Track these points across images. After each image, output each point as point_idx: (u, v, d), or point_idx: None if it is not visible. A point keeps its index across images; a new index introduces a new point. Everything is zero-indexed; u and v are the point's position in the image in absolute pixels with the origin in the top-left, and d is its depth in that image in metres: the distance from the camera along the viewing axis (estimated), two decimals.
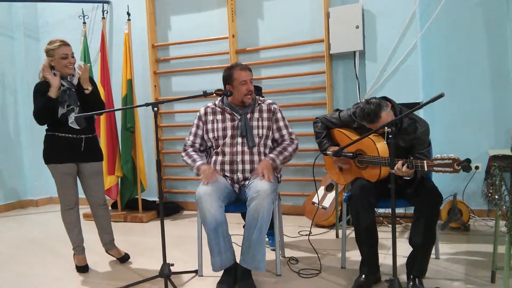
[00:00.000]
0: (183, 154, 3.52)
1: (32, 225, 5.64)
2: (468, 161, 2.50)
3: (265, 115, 3.50)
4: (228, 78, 3.45)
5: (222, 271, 3.25)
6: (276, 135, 3.53)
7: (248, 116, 3.47)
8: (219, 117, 3.51)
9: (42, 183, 6.64)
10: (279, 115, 3.54)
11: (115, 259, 3.93)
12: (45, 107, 3.44)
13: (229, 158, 3.41)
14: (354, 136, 3.24)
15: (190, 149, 3.52)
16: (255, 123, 3.47)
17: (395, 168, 2.75)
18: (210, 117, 3.53)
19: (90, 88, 3.55)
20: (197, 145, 3.54)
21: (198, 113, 3.58)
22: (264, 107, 3.52)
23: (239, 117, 3.45)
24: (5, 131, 6.51)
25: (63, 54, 3.49)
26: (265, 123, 3.48)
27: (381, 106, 2.96)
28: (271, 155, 3.42)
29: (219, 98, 3.57)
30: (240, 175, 3.39)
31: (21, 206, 6.64)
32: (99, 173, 3.78)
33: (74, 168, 3.64)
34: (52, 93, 3.42)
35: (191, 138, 3.55)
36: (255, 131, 3.45)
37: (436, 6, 4.45)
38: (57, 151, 3.55)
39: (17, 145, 6.63)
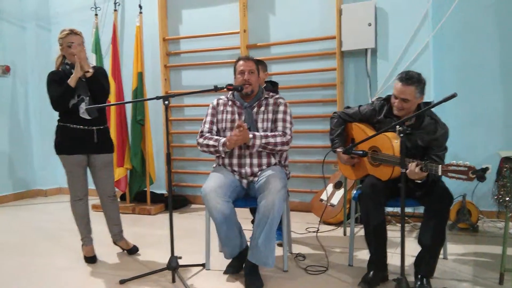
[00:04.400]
0: (200, 139, 3.45)
1: (41, 215, 5.67)
2: (484, 170, 2.46)
3: (270, 108, 3.48)
4: (234, 71, 3.53)
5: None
6: (272, 126, 3.47)
7: (255, 110, 3.47)
8: (228, 108, 3.52)
9: (51, 174, 6.69)
10: (281, 107, 3.48)
11: (123, 250, 3.96)
12: (64, 95, 3.46)
13: (237, 151, 3.41)
14: (370, 132, 3.22)
15: (207, 135, 3.47)
16: (260, 116, 3.46)
17: (409, 170, 2.75)
18: (221, 108, 3.54)
19: (90, 71, 3.54)
20: (214, 132, 3.52)
21: (210, 104, 3.60)
22: (271, 101, 3.51)
23: (244, 110, 3.47)
24: (15, 121, 6.54)
25: (69, 43, 3.51)
26: (270, 116, 3.46)
27: (421, 84, 3.00)
28: (256, 133, 3.37)
29: (231, 92, 3.58)
30: (248, 169, 3.39)
31: (30, 196, 6.68)
32: (109, 165, 3.80)
33: (85, 159, 3.66)
34: (72, 81, 3.44)
35: (207, 125, 3.52)
36: (259, 124, 3.44)
37: (449, 6, 4.43)
38: (69, 142, 3.57)
39: (27, 135, 6.68)
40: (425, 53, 4.47)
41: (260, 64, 4.03)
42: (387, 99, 3.23)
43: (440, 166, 2.65)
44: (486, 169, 2.48)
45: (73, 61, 3.52)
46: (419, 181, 2.88)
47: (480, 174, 2.47)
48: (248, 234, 3.38)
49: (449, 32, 4.56)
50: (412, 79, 2.97)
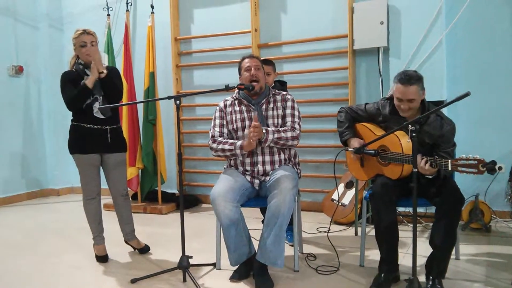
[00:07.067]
0: (214, 145, 3.42)
1: (53, 214, 5.71)
2: (493, 163, 2.46)
3: (279, 104, 3.48)
4: (238, 70, 3.54)
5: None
6: (282, 122, 3.47)
7: (264, 107, 3.46)
8: (236, 108, 3.50)
9: (64, 173, 6.74)
10: (289, 103, 3.48)
11: (134, 249, 3.97)
12: (80, 96, 3.48)
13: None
14: (378, 131, 3.20)
15: (220, 139, 3.45)
16: (270, 113, 3.46)
17: (419, 166, 2.72)
18: (229, 109, 3.53)
19: (105, 72, 3.56)
20: (225, 135, 3.50)
21: (217, 107, 3.58)
22: (279, 97, 3.51)
23: (253, 107, 3.45)
24: (28, 121, 6.60)
25: (82, 42, 3.54)
26: (279, 112, 3.46)
27: (421, 81, 2.97)
28: (268, 128, 3.36)
29: (236, 91, 3.57)
30: (260, 168, 3.38)
31: (42, 195, 6.75)
32: (122, 164, 3.82)
33: (98, 158, 3.68)
34: (90, 83, 3.47)
35: (217, 129, 3.50)
36: (270, 121, 3.44)
37: (463, 3, 4.38)
38: (82, 141, 3.59)
39: (40, 135, 6.73)
40: (438, 51, 4.42)
41: (270, 64, 4.03)
42: (390, 98, 3.21)
43: (449, 161, 2.64)
44: (495, 162, 2.47)
45: (87, 60, 3.55)
46: (430, 177, 2.87)
47: (490, 167, 2.47)
48: (258, 234, 3.37)
49: (462, 30, 4.52)
50: (412, 78, 2.94)
